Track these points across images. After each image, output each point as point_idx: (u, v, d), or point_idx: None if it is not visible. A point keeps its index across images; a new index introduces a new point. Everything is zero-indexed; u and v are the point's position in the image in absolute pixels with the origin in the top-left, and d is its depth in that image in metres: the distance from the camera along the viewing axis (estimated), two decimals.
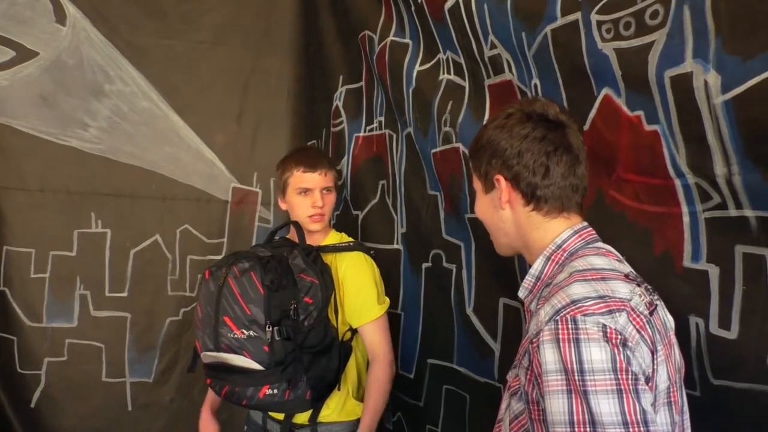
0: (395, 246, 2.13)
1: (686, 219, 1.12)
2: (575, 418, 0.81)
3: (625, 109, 1.19)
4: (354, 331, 1.78)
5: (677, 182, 1.12)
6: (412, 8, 1.91)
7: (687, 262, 1.12)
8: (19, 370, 2.40)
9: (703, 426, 1.11)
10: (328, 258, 1.77)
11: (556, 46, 1.32)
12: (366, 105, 2.33)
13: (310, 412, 1.70)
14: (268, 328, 1.53)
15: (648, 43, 1.10)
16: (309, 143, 2.66)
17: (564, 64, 1.32)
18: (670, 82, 1.06)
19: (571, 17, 1.26)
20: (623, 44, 1.15)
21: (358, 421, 1.77)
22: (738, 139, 0.97)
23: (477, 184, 1.13)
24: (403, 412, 2.08)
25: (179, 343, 2.54)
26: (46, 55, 2.40)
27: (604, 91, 1.23)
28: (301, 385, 1.58)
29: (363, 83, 2.34)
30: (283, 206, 1.90)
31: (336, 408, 1.75)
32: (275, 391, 1.56)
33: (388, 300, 1.85)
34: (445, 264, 1.87)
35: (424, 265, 1.98)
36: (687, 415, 0.98)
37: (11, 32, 2.36)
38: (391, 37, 2.07)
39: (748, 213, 1.01)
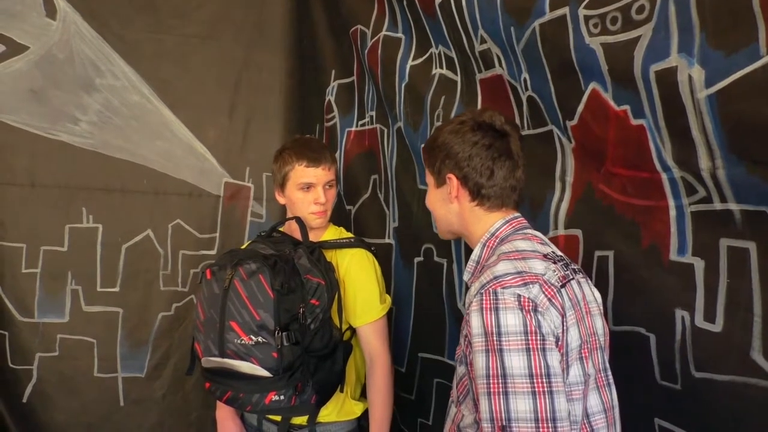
0: (387, 240, 2.14)
1: (672, 212, 1.13)
2: (491, 371, 0.97)
3: (612, 103, 1.19)
4: (354, 330, 1.73)
5: (663, 176, 1.13)
6: (404, 2, 1.91)
7: (673, 256, 1.13)
8: (10, 366, 2.39)
9: (682, 418, 1.12)
10: (328, 254, 1.70)
11: (544, 41, 1.32)
12: (358, 99, 2.33)
13: None
14: (278, 333, 1.46)
15: (634, 37, 1.11)
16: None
17: (552, 58, 1.32)
18: (655, 77, 1.07)
19: (559, 12, 1.27)
20: (610, 39, 1.16)
21: (356, 420, 1.75)
22: (722, 134, 0.98)
23: (429, 179, 1.28)
24: (394, 406, 2.09)
25: (171, 338, 2.54)
26: (36, 49, 2.39)
27: (592, 85, 1.23)
28: (308, 390, 1.53)
29: (354, 78, 2.34)
30: (281, 200, 1.79)
31: (334, 408, 1.71)
32: (282, 397, 1.50)
33: (389, 299, 1.78)
34: (436, 258, 1.87)
35: (416, 260, 1.98)
36: (609, 372, 1.13)
37: (1, 26, 2.35)
38: (384, 32, 2.07)
39: (733, 206, 1.02)
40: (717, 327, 1.05)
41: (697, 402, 1.09)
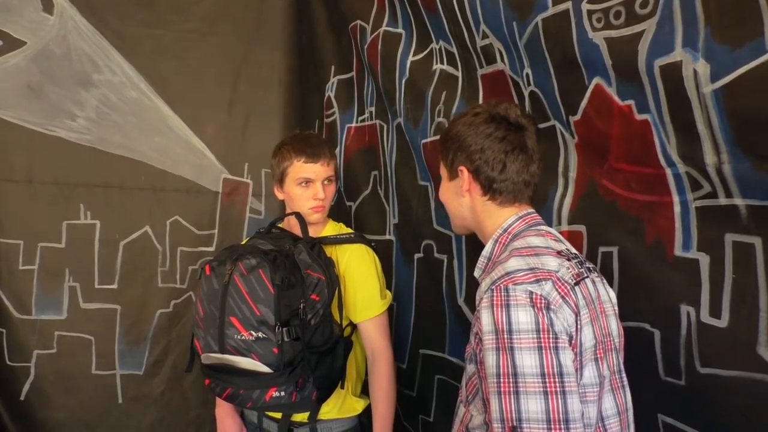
0: (388, 237, 2.13)
1: (677, 208, 1.13)
2: (501, 370, 0.95)
3: (616, 98, 1.19)
4: (354, 326, 1.72)
5: (668, 171, 1.12)
6: None
7: (678, 251, 1.12)
8: (8, 363, 2.38)
9: (687, 414, 1.12)
10: (328, 250, 1.69)
11: (547, 36, 1.32)
12: (357, 95, 2.32)
13: None
14: (278, 329, 1.46)
15: (638, 32, 1.10)
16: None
17: (555, 53, 1.32)
18: (659, 71, 1.06)
19: (561, 6, 1.26)
20: (613, 33, 1.15)
21: (356, 417, 1.75)
22: (727, 128, 0.98)
23: (443, 171, 1.27)
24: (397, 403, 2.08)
25: (170, 335, 2.53)
26: (33, 44, 2.37)
27: (595, 80, 1.23)
28: (308, 386, 1.52)
29: (354, 73, 2.33)
30: (279, 196, 1.79)
31: (335, 405, 1.70)
32: (282, 393, 1.49)
33: (390, 294, 1.78)
34: (436, 254, 1.87)
35: (416, 256, 1.98)
36: (624, 374, 1.12)
37: None
38: (384, 27, 2.06)
39: (738, 201, 1.01)
40: (722, 322, 1.04)
41: (702, 398, 1.08)
